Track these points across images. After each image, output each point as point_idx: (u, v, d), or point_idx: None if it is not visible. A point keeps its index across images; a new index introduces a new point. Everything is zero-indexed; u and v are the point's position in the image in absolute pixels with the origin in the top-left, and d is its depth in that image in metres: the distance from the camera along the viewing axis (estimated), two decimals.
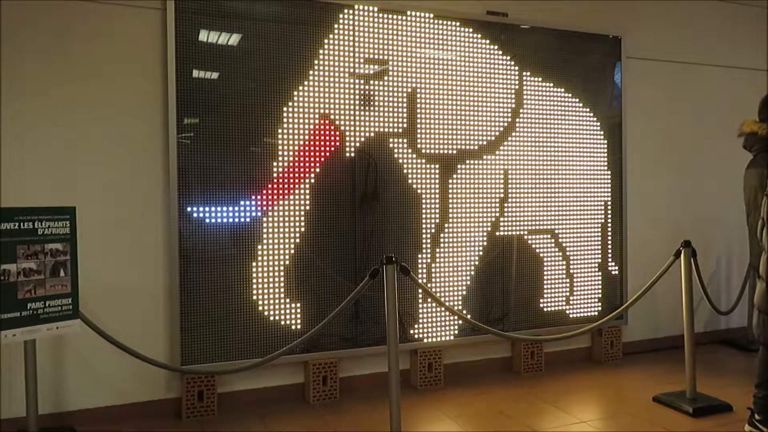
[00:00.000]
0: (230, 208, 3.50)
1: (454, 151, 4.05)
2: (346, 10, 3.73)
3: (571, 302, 4.44)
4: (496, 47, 4.16)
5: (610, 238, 4.60)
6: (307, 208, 3.67)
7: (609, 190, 4.59)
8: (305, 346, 3.60)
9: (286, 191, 3.62)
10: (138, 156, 3.42)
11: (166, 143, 3.41)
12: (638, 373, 4.28)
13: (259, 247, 3.56)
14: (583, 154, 4.48)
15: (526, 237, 4.29)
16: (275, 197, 3.59)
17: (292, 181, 3.63)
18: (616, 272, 4.62)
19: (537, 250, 4.33)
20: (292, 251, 3.64)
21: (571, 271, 4.45)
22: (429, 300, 3.93)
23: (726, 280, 5.17)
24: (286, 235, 3.62)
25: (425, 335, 3.96)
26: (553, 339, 3.94)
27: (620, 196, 4.63)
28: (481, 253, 4.13)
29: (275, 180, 3.59)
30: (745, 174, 3.35)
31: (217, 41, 3.51)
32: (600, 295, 4.55)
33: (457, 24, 4.04)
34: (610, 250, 4.59)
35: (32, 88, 3.22)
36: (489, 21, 4.15)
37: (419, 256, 3.96)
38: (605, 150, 4.58)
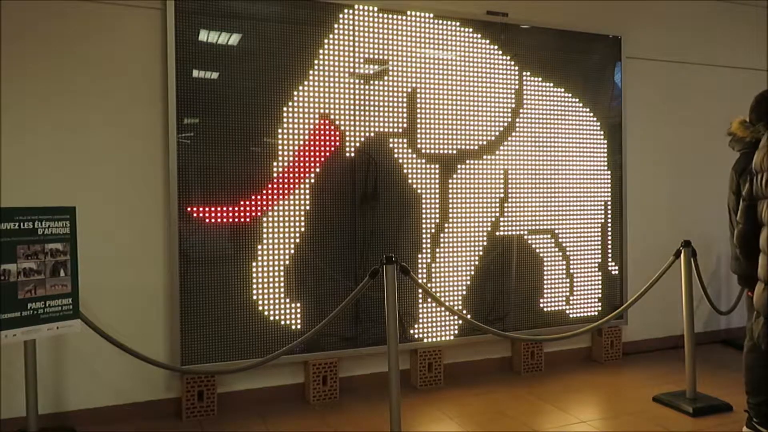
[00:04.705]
0: (230, 208, 3.50)
1: (454, 151, 4.05)
2: (346, 10, 3.73)
3: (571, 302, 4.44)
4: (496, 47, 4.16)
5: (610, 238, 4.60)
6: (307, 208, 3.67)
7: (609, 190, 4.60)
8: (305, 346, 3.61)
9: (286, 191, 3.62)
10: (138, 156, 3.42)
11: (166, 143, 3.41)
12: (638, 373, 4.28)
13: (259, 247, 3.56)
14: (583, 154, 4.48)
15: (526, 237, 4.29)
16: (275, 197, 3.59)
17: (292, 181, 3.63)
18: (616, 272, 4.62)
19: (537, 250, 4.33)
20: (292, 251, 3.64)
21: (571, 271, 4.45)
22: (429, 300, 3.93)
23: (726, 280, 5.17)
24: (286, 235, 3.62)
25: (425, 335, 3.96)
26: (553, 339, 3.95)
27: (620, 197, 4.63)
28: (481, 253, 4.13)
29: (275, 180, 3.59)
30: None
31: (217, 41, 3.52)
32: (600, 295, 4.55)
33: (457, 24, 4.04)
34: (610, 250, 4.60)
35: (32, 88, 3.22)
36: (489, 21, 4.15)
37: (419, 256, 3.96)
38: (605, 150, 4.58)
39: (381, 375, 3.80)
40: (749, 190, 2.78)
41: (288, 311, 3.62)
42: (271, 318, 3.59)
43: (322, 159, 3.70)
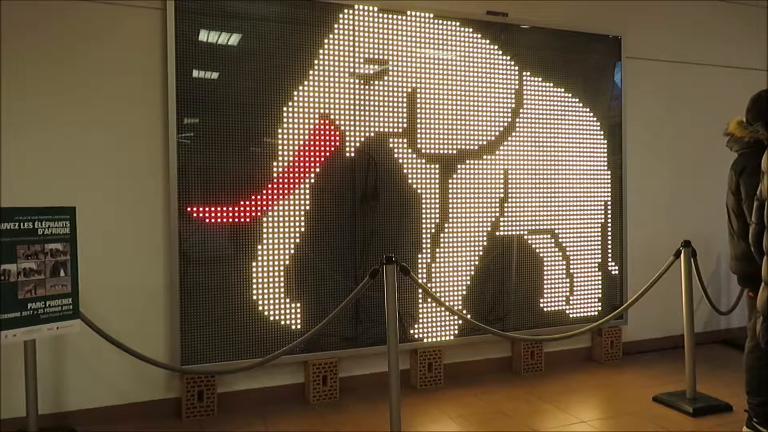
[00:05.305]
0: (230, 208, 3.50)
1: (454, 151, 4.05)
2: (346, 10, 3.73)
3: (571, 302, 4.44)
4: (496, 47, 4.16)
5: (610, 238, 4.60)
6: (307, 208, 3.67)
7: (609, 190, 4.60)
8: (305, 346, 3.60)
9: (286, 191, 3.62)
10: (138, 156, 3.42)
11: (166, 143, 3.41)
12: (638, 373, 4.28)
13: (259, 247, 3.56)
14: (583, 154, 4.48)
15: (526, 237, 4.29)
16: (275, 197, 3.59)
17: (292, 181, 3.63)
18: (616, 272, 4.62)
19: (537, 250, 4.33)
20: (292, 251, 3.64)
21: (571, 271, 4.45)
22: (429, 300, 3.93)
23: (726, 279, 5.17)
24: (286, 235, 3.62)
25: (425, 335, 3.96)
26: (553, 339, 3.94)
27: (620, 196, 4.63)
28: (481, 253, 4.13)
29: (275, 180, 3.59)
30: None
31: (217, 41, 3.51)
32: (600, 295, 4.55)
33: (457, 24, 4.04)
34: (610, 250, 4.60)
35: (32, 88, 3.22)
36: (489, 21, 4.15)
37: (419, 256, 3.96)
38: (605, 150, 4.58)
39: (381, 375, 3.80)
40: (760, 189, 2.77)
41: (288, 311, 3.62)
42: (271, 318, 3.59)
43: (322, 159, 3.70)
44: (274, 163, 3.59)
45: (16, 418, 3.13)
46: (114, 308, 3.36)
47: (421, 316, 3.94)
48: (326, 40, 3.69)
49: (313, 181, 3.68)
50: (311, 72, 3.66)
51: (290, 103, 3.62)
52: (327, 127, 3.71)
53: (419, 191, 3.95)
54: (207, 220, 3.46)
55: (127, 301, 3.40)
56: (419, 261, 3.96)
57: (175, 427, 3.34)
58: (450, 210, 4.03)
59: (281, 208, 3.61)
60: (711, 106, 5.03)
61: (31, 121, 3.22)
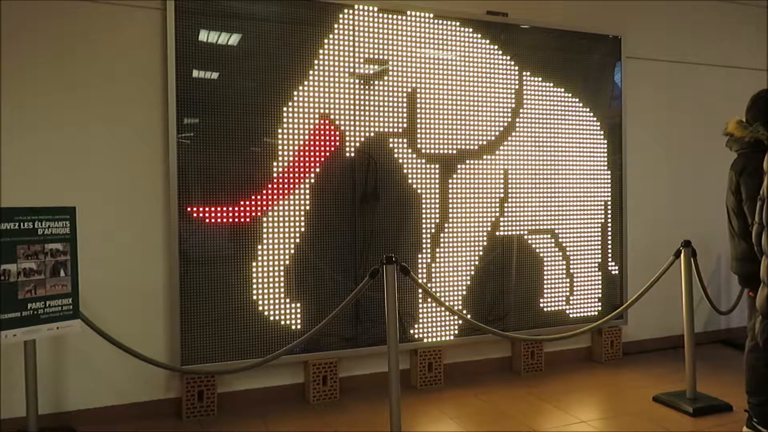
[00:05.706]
0: (230, 208, 3.50)
1: (454, 151, 4.05)
2: (346, 10, 3.73)
3: (571, 302, 4.44)
4: (496, 47, 4.16)
5: (610, 238, 4.60)
6: (307, 208, 3.67)
7: (609, 190, 4.59)
8: (305, 346, 3.60)
9: (286, 191, 3.62)
10: (138, 156, 3.42)
11: (166, 143, 3.41)
12: (638, 373, 4.28)
13: (259, 247, 3.56)
14: (583, 154, 4.48)
15: (526, 237, 4.29)
16: (275, 197, 3.59)
17: (292, 181, 3.63)
18: (616, 272, 4.62)
19: (537, 250, 4.33)
20: (292, 251, 3.64)
21: (571, 271, 4.45)
22: (429, 300, 3.93)
23: (726, 279, 5.17)
24: (286, 235, 3.62)
25: (425, 335, 3.96)
26: (553, 339, 3.95)
27: (620, 196, 4.63)
28: (481, 253, 4.13)
29: (275, 180, 3.59)
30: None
31: (217, 41, 3.52)
32: (600, 295, 4.55)
33: (457, 24, 4.04)
34: (610, 250, 4.59)
35: (32, 88, 3.22)
36: (489, 21, 4.15)
37: (419, 256, 3.96)
38: (605, 150, 4.58)
39: (381, 375, 3.80)
40: (763, 189, 2.77)
41: (288, 311, 3.62)
42: (271, 318, 3.59)
43: (322, 159, 3.70)
44: (274, 163, 3.59)
45: (16, 418, 3.13)
46: (114, 308, 3.36)
47: (421, 316, 3.94)
48: (326, 40, 3.69)
49: (313, 181, 3.68)
50: (311, 72, 3.66)
51: (290, 104, 3.62)
52: (327, 127, 3.71)
53: (419, 191, 3.95)
54: (207, 220, 3.46)
55: (127, 301, 3.40)
56: (419, 261, 3.96)
57: (175, 427, 3.34)
58: (450, 210, 4.03)
59: (281, 208, 3.61)
60: (711, 106, 5.02)
61: (31, 121, 3.22)
